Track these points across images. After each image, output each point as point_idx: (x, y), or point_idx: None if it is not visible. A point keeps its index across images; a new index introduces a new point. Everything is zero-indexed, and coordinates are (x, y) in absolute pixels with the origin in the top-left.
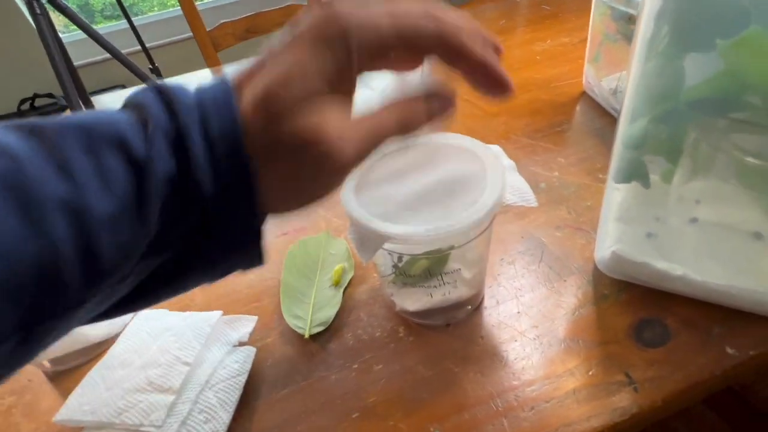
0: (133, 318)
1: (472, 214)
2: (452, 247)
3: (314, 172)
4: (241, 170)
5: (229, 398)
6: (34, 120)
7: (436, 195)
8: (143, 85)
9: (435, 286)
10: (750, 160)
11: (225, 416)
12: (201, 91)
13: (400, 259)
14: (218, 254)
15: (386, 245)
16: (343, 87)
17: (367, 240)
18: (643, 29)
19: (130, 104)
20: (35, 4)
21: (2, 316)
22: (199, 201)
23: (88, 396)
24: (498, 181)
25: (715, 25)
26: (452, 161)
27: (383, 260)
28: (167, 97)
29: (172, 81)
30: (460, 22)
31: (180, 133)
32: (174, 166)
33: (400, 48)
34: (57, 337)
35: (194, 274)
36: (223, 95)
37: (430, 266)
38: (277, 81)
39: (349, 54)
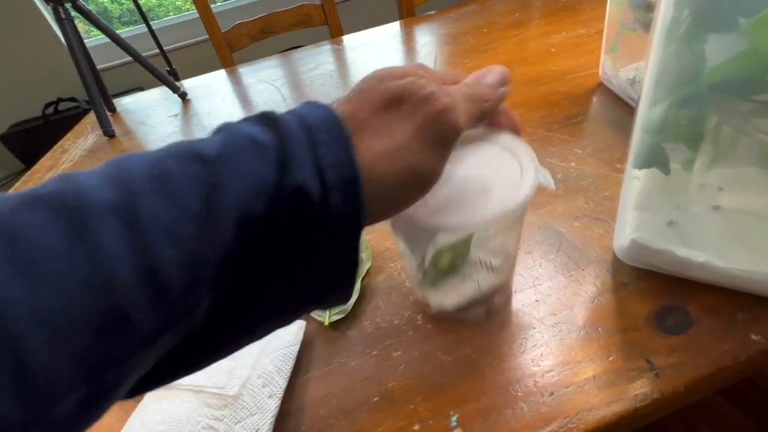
0: None
1: (515, 196)
2: (471, 235)
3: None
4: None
5: (284, 366)
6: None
7: (472, 186)
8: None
9: (467, 276)
10: None
11: (281, 381)
12: (304, 115)
13: (423, 258)
14: (308, 285)
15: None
16: None
17: (418, 236)
18: (663, 14)
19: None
20: (60, 10)
21: (57, 364)
22: (299, 211)
23: None
24: (531, 163)
25: (737, 4)
26: (481, 153)
27: (408, 262)
28: (266, 118)
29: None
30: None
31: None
32: (267, 170)
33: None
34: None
35: (269, 309)
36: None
37: (454, 258)
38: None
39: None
